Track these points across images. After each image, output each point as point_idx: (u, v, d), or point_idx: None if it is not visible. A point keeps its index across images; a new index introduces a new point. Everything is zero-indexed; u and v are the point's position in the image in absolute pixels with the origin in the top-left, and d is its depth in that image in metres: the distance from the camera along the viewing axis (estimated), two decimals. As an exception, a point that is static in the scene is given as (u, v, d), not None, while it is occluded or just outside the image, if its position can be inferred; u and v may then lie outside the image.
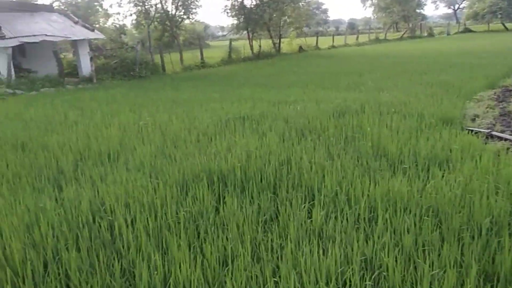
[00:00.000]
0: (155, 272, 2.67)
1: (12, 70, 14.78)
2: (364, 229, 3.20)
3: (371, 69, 14.52)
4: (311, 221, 3.38)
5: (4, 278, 2.66)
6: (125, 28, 22.01)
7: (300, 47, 28.37)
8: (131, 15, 21.03)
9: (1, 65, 14.75)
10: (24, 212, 3.53)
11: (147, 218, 3.38)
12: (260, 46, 24.58)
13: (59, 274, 2.75)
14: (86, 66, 16.78)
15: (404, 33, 45.45)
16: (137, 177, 4.38)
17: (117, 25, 21.73)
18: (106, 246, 3.08)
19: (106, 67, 16.95)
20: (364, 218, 3.37)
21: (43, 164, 5.14)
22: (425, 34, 46.36)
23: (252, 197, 3.86)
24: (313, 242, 3.00)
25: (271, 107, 7.87)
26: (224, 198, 3.82)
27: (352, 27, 69.17)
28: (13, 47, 14.70)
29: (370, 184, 3.87)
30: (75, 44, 16.92)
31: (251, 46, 24.68)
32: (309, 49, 29.43)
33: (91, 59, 16.13)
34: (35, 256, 2.87)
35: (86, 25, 17.54)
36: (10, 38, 14.41)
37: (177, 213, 3.56)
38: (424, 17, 57.28)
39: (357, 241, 2.92)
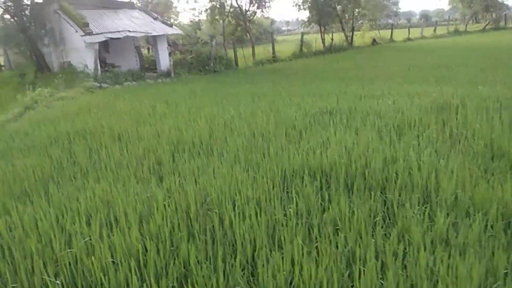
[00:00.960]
0: (278, 272, 2.55)
1: (98, 64, 15.69)
2: (498, 239, 2.86)
3: (459, 62, 13.49)
4: (432, 226, 3.09)
5: (128, 268, 2.69)
6: (201, 23, 22.54)
7: (374, 40, 27.28)
8: (206, 10, 21.47)
9: (89, 59, 15.72)
10: (136, 202, 3.60)
11: (257, 213, 3.29)
12: (332, 39, 23.97)
13: (178, 266, 2.73)
14: (164, 61, 17.40)
15: (486, 25, 41.99)
16: (235, 171, 4.33)
17: (193, 21, 22.32)
18: (219, 240, 3.03)
19: (183, 62, 17.45)
20: (494, 226, 3.01)
21: (141, 155, 5.30)
22: (510, 26, 42.49)
23: (360, 197, 3.63)
24: (438, 249, 2.73)
25: (358, 102, 7.53)
26: (329, 196, 3.64)
27: (426, 18, 65.37)
28: (98, 43, 15.58)
29: (492, 187, 3.48)
30: (154, 39, 17.60)
31: (323, 40, 24.15)
32: (383, 42, 28.21)
33: (169, 54, 16.68)
34: (153, 247, 2.88)
35: (165, 21, 18.18)
36: (97, 34, 15.28)
37: (284, 209, 3.45)
38: (508, 7, 52.62)
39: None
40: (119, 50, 18.72)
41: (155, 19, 18.06)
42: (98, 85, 14.45)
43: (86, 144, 6.06)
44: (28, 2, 18.26)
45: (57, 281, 2.64)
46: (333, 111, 6.77)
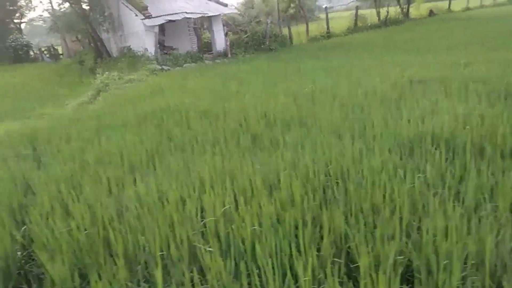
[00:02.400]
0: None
1: (158, 47, 15.92)
2: None
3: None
4: None
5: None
6: (254, 1, 22.29)
7: (431, 11, 25.85)
8: (259, -13, 21.16)
9: (149, 43, 15.98)
10: (254, 173, 3.53)
11: (385, 183, 3.11)
12: (387, 12, 22.93)
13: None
14: (220, 42, 17.39)
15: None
16: (344, 141, 4.17)
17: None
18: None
19: (238, 42, 17.35)
20: None
21: (234, 129, 5.25)
22: None
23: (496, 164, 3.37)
24: None
25: (448, 70, 7.10)
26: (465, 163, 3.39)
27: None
28: (157, 26, 15.76)
29: None
30: (209, 20, 17.58)
31: (378, 13, 23.17)
32: (440, 12, 26.67)
33: (226, 34, 16.62)
34: (298, 215, 2.81)
35: (220, 1, 18.09)
36: (156, 17, 15.45)
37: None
38: None
39: None
40: (174, 32, 18.90)
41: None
42: (160, 67, 14.67)
43: (176, 120, 6.11)
44: (86, -11, 18.80)
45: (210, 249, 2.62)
46: (425, 80, 6.41)
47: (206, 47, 19.31)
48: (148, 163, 4.36)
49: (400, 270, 2.28)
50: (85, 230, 3.03)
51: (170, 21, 16.60)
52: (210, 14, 16.92)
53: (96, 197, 3.51)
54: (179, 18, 15.97)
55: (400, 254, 2.41)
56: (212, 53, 17.83)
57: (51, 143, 5.60)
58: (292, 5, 21.43)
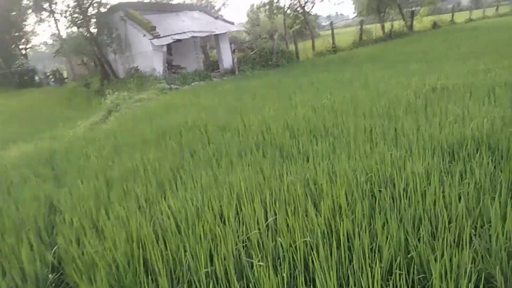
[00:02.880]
0: None
1: (166, 67, 15.96)
2: None
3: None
4: None
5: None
6: (259, 19, 22.46)
7: (434, 23, 25.98)
8: (264, 5, 21.31)
9: (157, 62, 16.03)
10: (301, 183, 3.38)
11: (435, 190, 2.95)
12: (392, 25, 23.05)
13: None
14: (227, 59, 17.43)
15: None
16: (379, 148, 4.02)
17: (252, 17, 22.25)
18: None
19: (245, 59, 17.40)
20: None
21: (258, 141, 5.11)
22: None
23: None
24: None
25: (469, 77, 6.97)
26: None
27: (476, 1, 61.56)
28: (166, 45, 15.83)
29: None
30: (216, 38, 17.67)
31: (383, 26, 23.29)
32: (443, 24, 26.80)
33: (233, 51, 16.67)
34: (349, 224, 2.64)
35: (226, 19, 18.23)
36: (165, 36, 15.53)
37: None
38: None
39: None
40: (181, 51, 19.00)
41: (216, 18, 18.16)
42: (168, 86, 14.66)
43: (196, 136, 5.98)
44: (94, 12, 19.01)
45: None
46: (446, 87, 6.29)
47: (212, 65, 19.39)
48: (174, 178, 4.21)
49: (473, 278, 2.11)
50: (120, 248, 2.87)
51: (177, 40, 16.70)
52: (218, 32, 17.02)
53: (127, 214, 3.35)
54: (187, 37, 16.06)
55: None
56: (219, 71, 17.88)
57: (70, 162, 5.48)
58: (297, 21, 21.58)
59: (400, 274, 2.22)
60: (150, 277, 2.63)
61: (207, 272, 2.54)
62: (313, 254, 2.36)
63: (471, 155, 3.51)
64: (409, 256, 2.42)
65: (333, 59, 17.06)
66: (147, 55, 16.64)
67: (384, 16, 23.78)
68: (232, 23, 18.31)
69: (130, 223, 3.14)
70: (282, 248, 2.60)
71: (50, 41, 33.98)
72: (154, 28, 15.67)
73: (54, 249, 3.13)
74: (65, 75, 33.71)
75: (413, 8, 25.11)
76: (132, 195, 3.80)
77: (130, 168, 4.70)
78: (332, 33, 20.75)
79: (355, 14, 26.99)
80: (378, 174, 3.39)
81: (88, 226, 3.32)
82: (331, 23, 21.16)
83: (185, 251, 2.71)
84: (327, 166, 3.74)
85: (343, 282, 2.30)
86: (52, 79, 32.28)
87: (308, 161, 4.06)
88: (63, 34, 29.69)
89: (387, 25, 23.44)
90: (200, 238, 2.79)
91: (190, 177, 4.17)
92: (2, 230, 3.49)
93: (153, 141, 6.06)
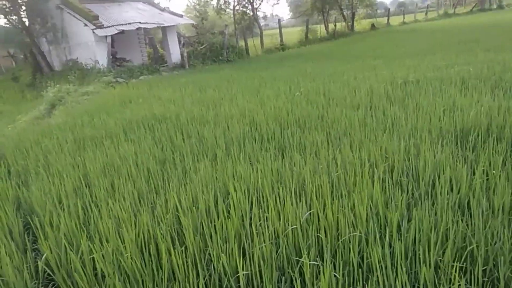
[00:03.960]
0: None
1: (110, 59, 14.96)
2: None
3: (477, 38, 13.36)
4: None
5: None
6: (207, 13, 21.86)
7: (372, 25, 27.20)
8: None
9: (100, 54, 14.97)
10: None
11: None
12: (335, 25, 23.70)
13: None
14: (175, 53, 16.76)
15: (473, 7, 42.62)
16: (383, 140, 3.90)
17: (200, 10, 21.57)
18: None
19: (196, 53, 16.83)
20: None
21: (243, 133, 4.81)
22: (495, 7, 43.31)
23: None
24: None
25: (437, 71, 7.19)
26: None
27: (403, 6, 66.34)
28: (110, 36, 14.83)
29: None
30: (164, 31, 16.91)
31: (326, 27, 23.86)
32: (380, 26, 28.15)
33: (183, 45, 16.04)
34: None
35: (174, 11, 17.50)
36: (109, 27, 14.54)
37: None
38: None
39: None
40: (125, 44, 17.94)
41: (163, 10, 17.37)
42: (114, 80, 13.73)
43: (170, 128, 5.51)
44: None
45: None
46: (419, 80, 6.42)
47: (158, 59, 18.54)
48: (163, 172, 3.78)
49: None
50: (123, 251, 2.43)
51: (120, 32, 15.72)
52: (166, 24, 16.27)
53: (123, 212, 2.90)
54: (133, 28, 15.16)
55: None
56: (167, 65, 17.14)
57: (29, 158, 4.77)
58: (245, 17, 21.36)
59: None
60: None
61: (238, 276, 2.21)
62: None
63: (480, 142, 3.51)
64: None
65: (284, 55, 17.08)
66: (88, 47, 15.48)
67: (327, 17, 24.39)
68: (181, 16, 17.63)
69: (127, 222, 2.71)
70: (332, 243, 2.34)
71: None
72: (96, 17, 14.60)
73: (44, 257, 2.60)
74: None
75: (354, 10, 26.04)
76: (125, 192, 3.32)
77: (109, 162, 4.16)
78: (280, 31, 20.81)
79: (289, 16, 27.37)
80: (393, 163, 3.26)
81: (76, 227, 2.82)
82: (279, 21, 21.23)
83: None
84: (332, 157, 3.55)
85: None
86: (-29, 72, 29.15)
87: (316, 154, 3.84)
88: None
89: (331, 26, 24.06)
90: (227, 239, 2.45)
91: (180, 171, 3.76)
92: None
93: (119, 134, 5.49)
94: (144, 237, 2.59)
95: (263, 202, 2.86)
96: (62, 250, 2.62)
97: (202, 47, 16.91)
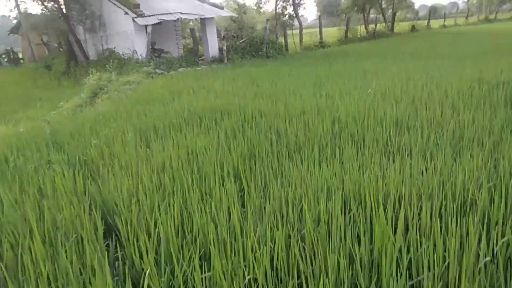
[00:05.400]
0: None
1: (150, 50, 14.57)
2: None
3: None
4: None
5: None
6: (246, 7, 21.27)
7: (413, 26, 26.21)
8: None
9: (139, 44, 14.59)
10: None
11: None
12: (376, 25, 22.86)
13: None
14: (213, 46, 16.26)
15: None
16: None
17: (239, 4, 21.07)
18: None
19: (235, 47, 16.29)
20: None
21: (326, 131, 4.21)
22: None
23: None
24: None
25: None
26: None
27: (435, 11, 64.94)
28: (150, 26, 14.43)
29: None
30: (203, 23, 16.44)
31: (366, 27, 23.05)
32: (421, 28, 27.15)
33: (223, 38, 15.52)
34: None
35: (215, 3, 17.02)
36: (150, 16, 14.14)
37: None
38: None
39: None
40: (161, 35, 17.54)
41: (203, 1, 16.89)
42: (153, 71, 13.31)
43: (241, 122, 4.96)
44: (64, -14, 17.09)
45: None
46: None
47: (191, 52, 18.10)
48: (255, 170, 3.20)
49: None
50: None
51: (157, 23, 15.30)
52: (207, 16, 15.79)
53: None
54: (174, 18, 14.72)
55: None
56: (203, 58, 16.66)
57: (92, 149, 4.27)
58: (285, 12, 20.71)
59: None
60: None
61: None
62: None
63: None
64: None
65: (327, 53, 16.37)
66: (127, 36, 15.12)
67: (367, 17, 23.59)
68: (222, 8, 17.14)
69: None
70: None
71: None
72: (137, 5, 14.21)
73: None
74: (20, 55, 30.80)
75: (395, 11, 25.14)
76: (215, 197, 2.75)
77: (183, 155, 3.62)
78: (320, 28, 20.12)
79: (315, 17, 26.55)
80: None
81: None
82: (320, 18, 20.52)
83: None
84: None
85: None
86: (5, 59, 29.40)
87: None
88: (24, 10, 27.11)
89: (371, 26, 23.25)
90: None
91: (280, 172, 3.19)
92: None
93: (181, 125, 4.96)
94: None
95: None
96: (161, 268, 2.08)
97: (241, 41, 16.37)
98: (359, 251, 1.95)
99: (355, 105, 5.10)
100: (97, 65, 14.93)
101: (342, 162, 3.28)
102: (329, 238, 2.12)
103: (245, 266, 2.02)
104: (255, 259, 1.98)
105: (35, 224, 2.26)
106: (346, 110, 4.94)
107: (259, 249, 2.04)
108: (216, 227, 2.30)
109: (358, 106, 5.05)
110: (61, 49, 21.71)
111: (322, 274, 1.86)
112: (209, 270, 2.04)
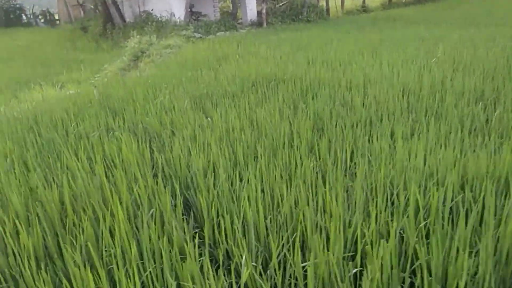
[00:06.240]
0: None
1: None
2: None
3: None
4: None
5: None
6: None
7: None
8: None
9: (177, 7, 14.24)
10: None
11: None
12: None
13: None
14: (252, 9, 15.70)
15: None
16: None
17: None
18: None
19: (274, 11, 15.68)
20: None
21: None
22: None
23: None
24: None
25: None
26: None
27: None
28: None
29: None
30: (241, -14, 15.84)
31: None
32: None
33: (263, 1, 14.93)
34: None
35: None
36: (189, -23, 13.67)
37: None
38: None
39: None
40: (198, -1, 17.11)
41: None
42: (193, 35, 13.00)
43: (298, 89, 4.67)
44: None
45: None
46: None
47: (228, 15, 17.58)
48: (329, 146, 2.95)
49: None
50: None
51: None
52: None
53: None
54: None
55: None
56: (241, 22, 16.16)
57: (150, 116, 4.11)
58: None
59: None
60: None
61: None
62: None
63: None
64: None
65: (372, 17, 15.50)
66: (166, -2, 14.76)
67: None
68: (262, -31, 16.38)
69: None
70: None
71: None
72: (176, -34, 13.75)
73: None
74: (56, 16, 30.98)
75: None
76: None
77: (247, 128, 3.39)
78: (363, -9, 19.12)
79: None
80: None
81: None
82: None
83: None
84: None
85: None
86: (42, 20, 29.67)
87: None
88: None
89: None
90: None
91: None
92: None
93: (240, 94, 4.72)
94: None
95: None
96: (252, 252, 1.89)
97: (281, 4, 15.72)
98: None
99: (426, 76, 4.70)
100: (134, 28, 14.70)
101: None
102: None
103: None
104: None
105: (116, 197, 2.10)
106: (414, 80, 4.57)
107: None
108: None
109: (431, 76, 4.65)
110: (97, 10, 21.60)
111: None
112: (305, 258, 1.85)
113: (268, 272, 1.83)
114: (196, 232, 2.24)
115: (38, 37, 19.12)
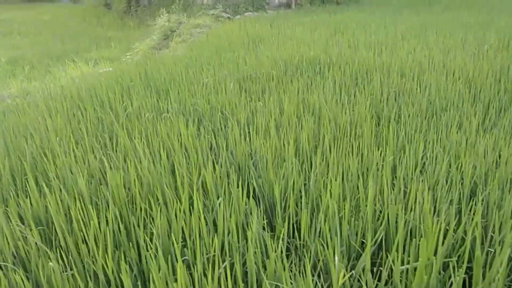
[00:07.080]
0: None
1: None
2: None
3: None
4: None
5: None
6: None
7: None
8: None
9: (205, -15, 13.92)
10: None
11: None
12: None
13: None
14: (280, -10, 15.25)
15: None
16: None
17: None
18: None
19: (302, -9, 15.21)
20: None
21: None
22: None
23: None
24: None
25: None
26: None
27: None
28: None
29: None
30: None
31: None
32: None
33: (292, -20, 14.49)
34: None
35: None
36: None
37: None
38: None
39: None
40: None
41: None
42: (221, 14, 12.73)
43: (348, 75, 4.46)
44: None
45: None
46: None
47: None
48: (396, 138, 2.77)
49: None
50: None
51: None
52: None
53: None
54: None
55: None
56: (268, 2, 15.75)
57: (196, 97, 3.96)
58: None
59: None
60: None
61: None
62: None
63: None
64: None
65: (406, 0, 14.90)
66: (192, -25, 14.45)
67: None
68: None
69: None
70: None
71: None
72: None
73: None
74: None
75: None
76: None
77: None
78: (395, -27, 18.33)
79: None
80: None
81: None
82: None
83: None
84: None
85: None
86: (65, -4, 29.57)
87: None
88: None
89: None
90: None
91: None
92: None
93: (284, 78, 4.53)
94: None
95: None
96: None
97: (311, -15, 15.21)
98: None
99: (484, 63, 4.44)
100: (159, 6, 14.48)
101: None
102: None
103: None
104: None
105: (187, 186, 1.97)
106: (474, 68, 4.31)
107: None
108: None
109: (489, 64, 4.38)
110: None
111: None
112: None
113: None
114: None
115: (62, 11, 19.07)
